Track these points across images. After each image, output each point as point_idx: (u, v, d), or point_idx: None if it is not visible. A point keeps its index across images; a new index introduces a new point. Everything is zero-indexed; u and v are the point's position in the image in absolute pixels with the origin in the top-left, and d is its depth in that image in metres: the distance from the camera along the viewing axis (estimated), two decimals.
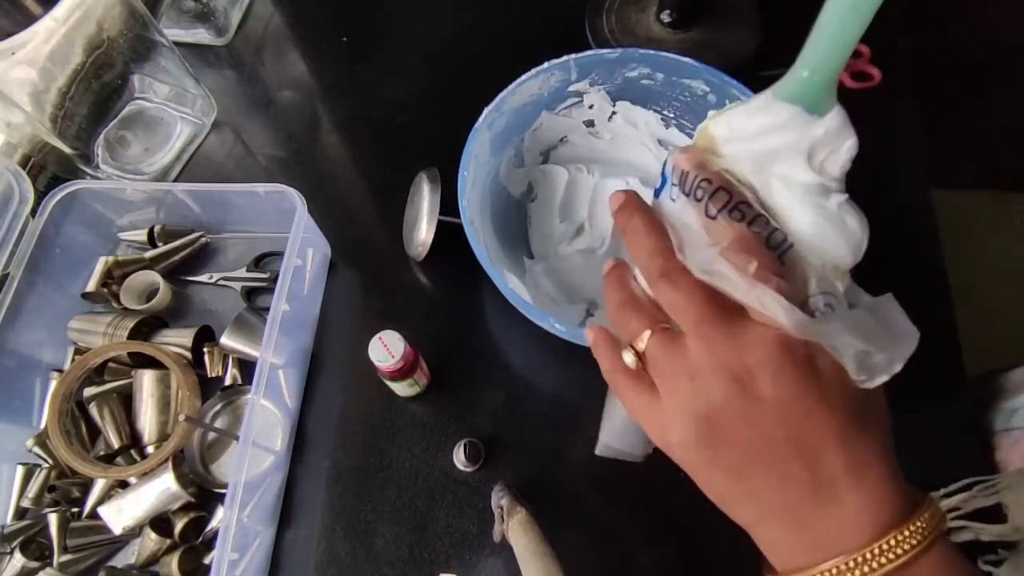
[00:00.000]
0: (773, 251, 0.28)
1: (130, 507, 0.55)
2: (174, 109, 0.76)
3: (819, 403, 0.26)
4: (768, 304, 0.26)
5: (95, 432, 0.59)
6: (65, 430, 0.57)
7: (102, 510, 0.55)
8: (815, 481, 0.27)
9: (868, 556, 0.26)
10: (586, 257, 0.64)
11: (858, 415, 0.27)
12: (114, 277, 0.65)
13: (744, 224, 0.28)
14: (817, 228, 0.28)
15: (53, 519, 0.55)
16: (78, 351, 0.63)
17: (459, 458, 0.57)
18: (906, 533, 0.26)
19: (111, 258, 0.66)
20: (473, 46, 0.81)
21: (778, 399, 0.26)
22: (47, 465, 0.58)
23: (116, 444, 0.58)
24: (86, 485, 0.58)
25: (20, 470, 0.58)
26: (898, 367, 0.27)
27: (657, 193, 0.34)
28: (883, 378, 0.27)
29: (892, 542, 0.26)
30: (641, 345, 0.30)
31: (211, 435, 0.61)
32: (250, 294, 0.67)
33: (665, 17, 0.75)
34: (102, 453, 0.58)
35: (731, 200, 0.29)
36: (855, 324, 0.27)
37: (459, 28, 0.83)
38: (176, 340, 0.62)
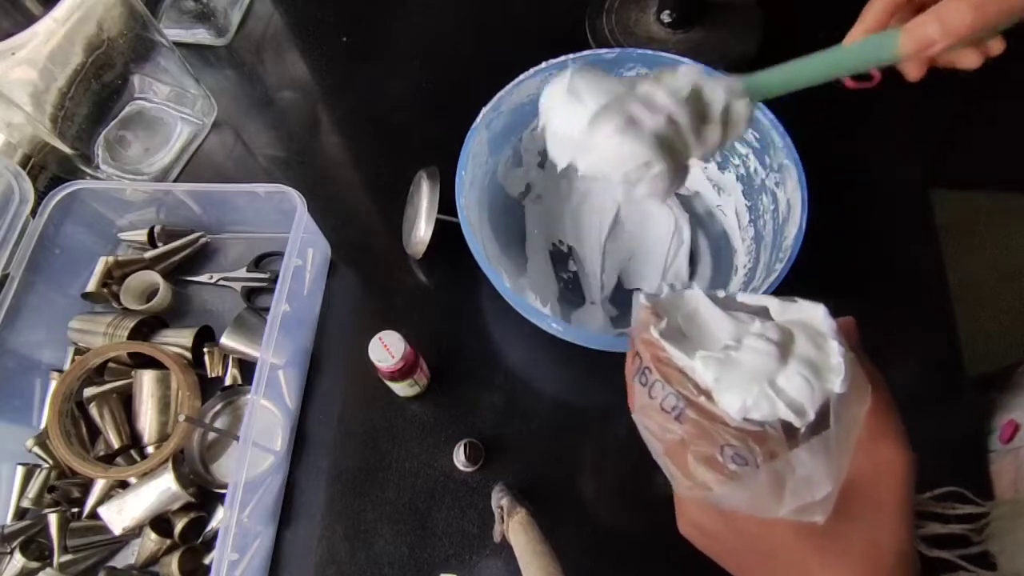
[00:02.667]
0: (667, 413, 0.29)
1: (130, 507, 0.55)
2: (174, 109, 0.76)
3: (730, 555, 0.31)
4: (665, 469, 0.29)
5: (95, 432, 0.59)
6: (65, 430, 0.57)
7: (102, 510, 0.55)
8: None
9: None
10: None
11: (780, 553, 0.28)
12: (114, 277, 0.65)
13: (646, 389, 0.30)
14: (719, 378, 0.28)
15: (53, 519, 0.55)
16: (78, 351, 0.63)
17: (459, 458, 0.57)
18: None
19: (111, 258, 0.66)
20: (473, 46, 0.81)
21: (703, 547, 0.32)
22: (47, 465, 0.58)
23: (116, 444, 0.58)
24: (86, 485, 0.58)
25: (20, 470, 0.58)
26: (822, 517, 0.26)
27: None
28: (815, 519, 0.26)
29: None
30: None
31: (211, 435, 0.61)
32: (250, 294, 0.67)
33: (665, 17, 0.75)
34: (102, 453, 0.58)
35: (639, 365, 0.30)
36: (768, 480, 0.26)
37: (459, 28, 0.83)
38: (176, 340, 0.62)
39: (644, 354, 0.30)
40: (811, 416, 0.27)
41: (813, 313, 0.29)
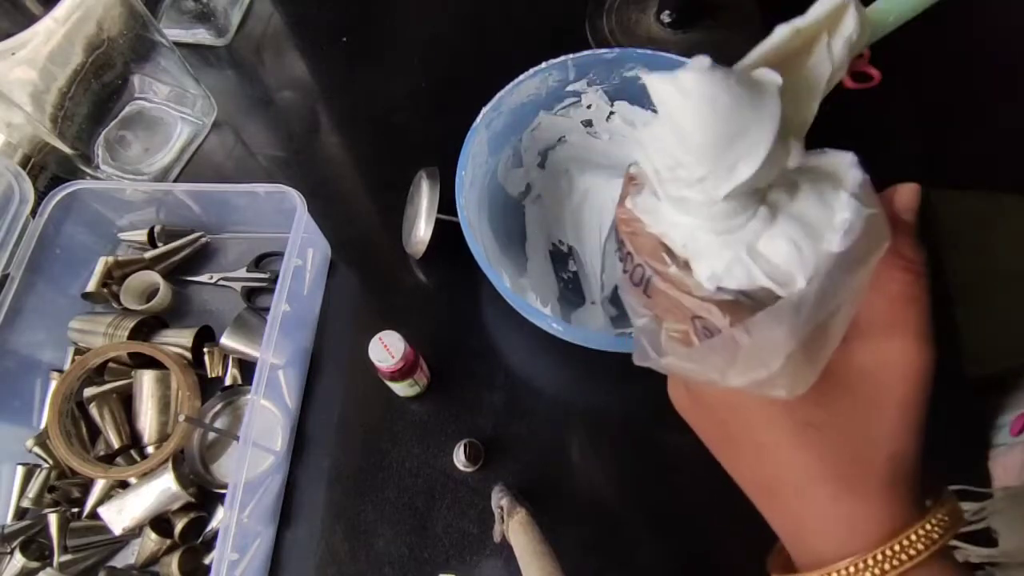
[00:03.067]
0: (637, 286, 0.26)
1: (130, 507, 0.55)
2: (174, 109, 0.76)
3: (713, 438, 0.29)
4: (637, 343, 0.27)
5: (95, 432, 0.59)
6: (65, 430, 0.57)
7: (102, 510, 0.55)
8: (757, 483, 0.27)
9: (863, 565, 0.24)
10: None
11: (765, 435, 0.26)
12: (114, 277, 0.65)
13: (622, 265, 0.27)
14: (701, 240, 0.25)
15: (53, 519, 0.55)
16: (78, 351, 0.63)
17: (459, 458, 0.57)
18: (898, 547, 0.24)
19: (111, 258, 0.66)
20: (473, 46, 0.81)
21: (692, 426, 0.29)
22: (47, 465, 0.58)
23: (116, 444, 0.58)
24: (86, 485, 0.58)
25: (20, 470, 0.58)
26: (786, 392, 0.23)
27: None
28: (778, 394, 0.23)
29: (888, 552, 0.24)
30: None
31: (211, 435, 0.61)
32: (250, 294, 0.67)
33: (665, 17, 0.75)
34: (102, 453, 0.58)
35: (617, 236, 0.28)
36: (723, 349, 0.23)
37: (459, 28, 0.83)
38: (176, 340, 0.62)
39: (620, 228, 0.27)
40: (801, 283, 0.23)
41: (838, 161, 0.25)
